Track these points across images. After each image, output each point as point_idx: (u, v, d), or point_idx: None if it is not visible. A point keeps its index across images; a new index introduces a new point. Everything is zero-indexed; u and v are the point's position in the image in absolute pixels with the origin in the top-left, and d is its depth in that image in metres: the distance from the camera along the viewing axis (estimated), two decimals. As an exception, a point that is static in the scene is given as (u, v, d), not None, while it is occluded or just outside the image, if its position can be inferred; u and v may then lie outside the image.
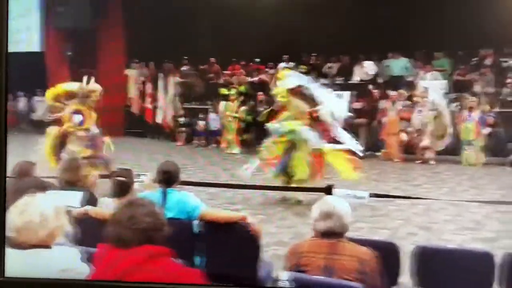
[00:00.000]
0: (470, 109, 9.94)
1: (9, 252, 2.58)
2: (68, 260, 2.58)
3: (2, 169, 3.11)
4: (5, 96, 3.18)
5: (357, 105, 11.23)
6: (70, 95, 7.36)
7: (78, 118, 7.29)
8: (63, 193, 4.21)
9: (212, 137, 12.32)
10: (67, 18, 13.39)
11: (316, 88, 7.43)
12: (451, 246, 3.71)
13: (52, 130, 7.28)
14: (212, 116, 12.43)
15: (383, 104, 11.01)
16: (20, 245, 2.51)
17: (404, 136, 10.41)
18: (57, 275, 2.52)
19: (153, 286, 2.42)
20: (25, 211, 2.54)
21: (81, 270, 2.59)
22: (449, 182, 8.50)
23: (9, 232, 2.58)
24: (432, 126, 10.14)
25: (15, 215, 2.55)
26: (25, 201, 2.60)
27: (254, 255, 3.77)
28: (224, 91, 12.22)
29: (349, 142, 7.27)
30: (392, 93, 10.84)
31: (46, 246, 2.54)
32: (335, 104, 7.42)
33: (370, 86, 11.57)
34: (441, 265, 3.33)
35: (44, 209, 2.56)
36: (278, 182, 7.26)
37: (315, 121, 7.25)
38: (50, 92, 7.45)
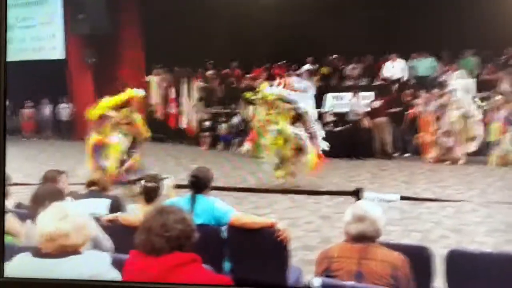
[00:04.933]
0: (498, 108, 9.75)
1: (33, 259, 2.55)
2: (98, 265, 2.57)
3: (1, 174, 3.13)
4: (4, 104, 3.20)
5: (376, 104, 11.16)
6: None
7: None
8: (91, 200, 4.23)
9: (235, 140, 12.37)
10: (87, 24, 13.54)
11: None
12: (486, 249, 3.60)
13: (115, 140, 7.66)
14: (235, 119, 12.45)
15: (416, 104, 10.85)
16: (49, 254, 2.49)
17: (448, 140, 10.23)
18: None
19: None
20: (67, 215, 2.53)
21: (111, 276, 2.58)
22: (479, 183, 8.36)
23: (37, 241, 2.56)
24: (459, 125, 9.97)
25: (47, 222, 2.53)
26: (57, 208, 2.59)
27: (282, 260, 3.73)
28: (248, 95, 12.17)
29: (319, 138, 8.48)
30: (425, 93, 10.66)
31: (77, 253, 2.53)
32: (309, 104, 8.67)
33: (396, 86, 11.49)
34: (476, 269, 3.25)
35: (75, 216, 2.56)
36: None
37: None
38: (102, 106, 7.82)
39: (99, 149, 7.63)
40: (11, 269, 2.61)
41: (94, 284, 2.53)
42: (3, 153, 3.14)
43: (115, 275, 2.59)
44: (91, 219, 3.55)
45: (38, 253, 2.54)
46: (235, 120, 12.45)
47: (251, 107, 11.84)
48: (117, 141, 7.63)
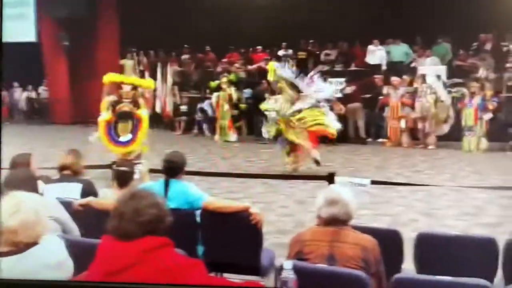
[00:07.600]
0: (472, 94, 9.89)
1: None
2: (59, 251, 2.52)
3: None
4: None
5: (348, 89, 11.24)
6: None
7: None
8: (63, 185, 4.19)
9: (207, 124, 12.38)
10: (62, 7, 13.29)
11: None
12: (454, 232, 3.69)
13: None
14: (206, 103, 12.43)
15: (385, 90, 10.97)
16: (8, 252, 2.38)
17: (403, 123, 10.41)
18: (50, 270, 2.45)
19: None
20: (18, 210, 2.43)
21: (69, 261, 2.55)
22: (450, 167, 8.50)
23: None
24: (433, 110, 10.12)
25: (8, 216, 2.37)
26: (16, 199, 2.45)
27: (256, 244, 3.76)
28: (213, 84, 12.10)
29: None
30: (394, 79, 10.77)
31: (34, 244, 2.43)
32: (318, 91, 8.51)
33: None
34: (444, 252, 3.32)
35: (35, 204, 2.47)
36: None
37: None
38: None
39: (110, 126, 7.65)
40: None
41: (88, 285, 2.50)
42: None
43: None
44: (58, 204, 3.51)
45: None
46: (206, 105, 12.40)
47: (215, 94, 11.85)
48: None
